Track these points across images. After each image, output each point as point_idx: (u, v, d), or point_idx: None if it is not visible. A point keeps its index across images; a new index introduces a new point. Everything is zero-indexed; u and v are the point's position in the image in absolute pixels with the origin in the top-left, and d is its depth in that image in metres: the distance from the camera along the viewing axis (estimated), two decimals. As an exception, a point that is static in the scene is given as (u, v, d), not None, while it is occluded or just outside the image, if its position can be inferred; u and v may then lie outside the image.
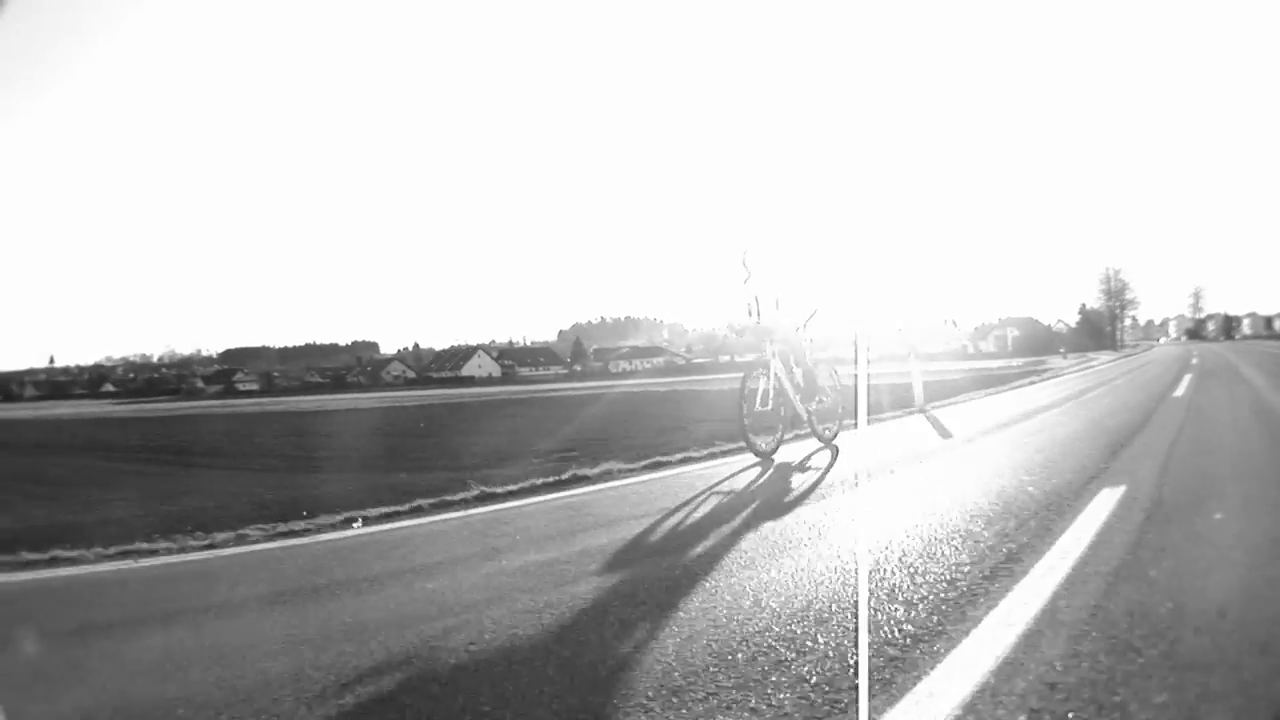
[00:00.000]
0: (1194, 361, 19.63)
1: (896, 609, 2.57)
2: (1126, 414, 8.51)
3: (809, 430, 7.04)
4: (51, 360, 49.66)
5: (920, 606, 2.58)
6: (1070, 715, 1.84)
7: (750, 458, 6.28)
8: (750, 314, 6.67)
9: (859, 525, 3.88)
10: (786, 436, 6.71)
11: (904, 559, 3.14)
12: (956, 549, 3.25)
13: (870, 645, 2.28)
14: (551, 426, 13.82)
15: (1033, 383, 17.54)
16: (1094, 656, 2.12)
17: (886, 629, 2.40)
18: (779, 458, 6.32)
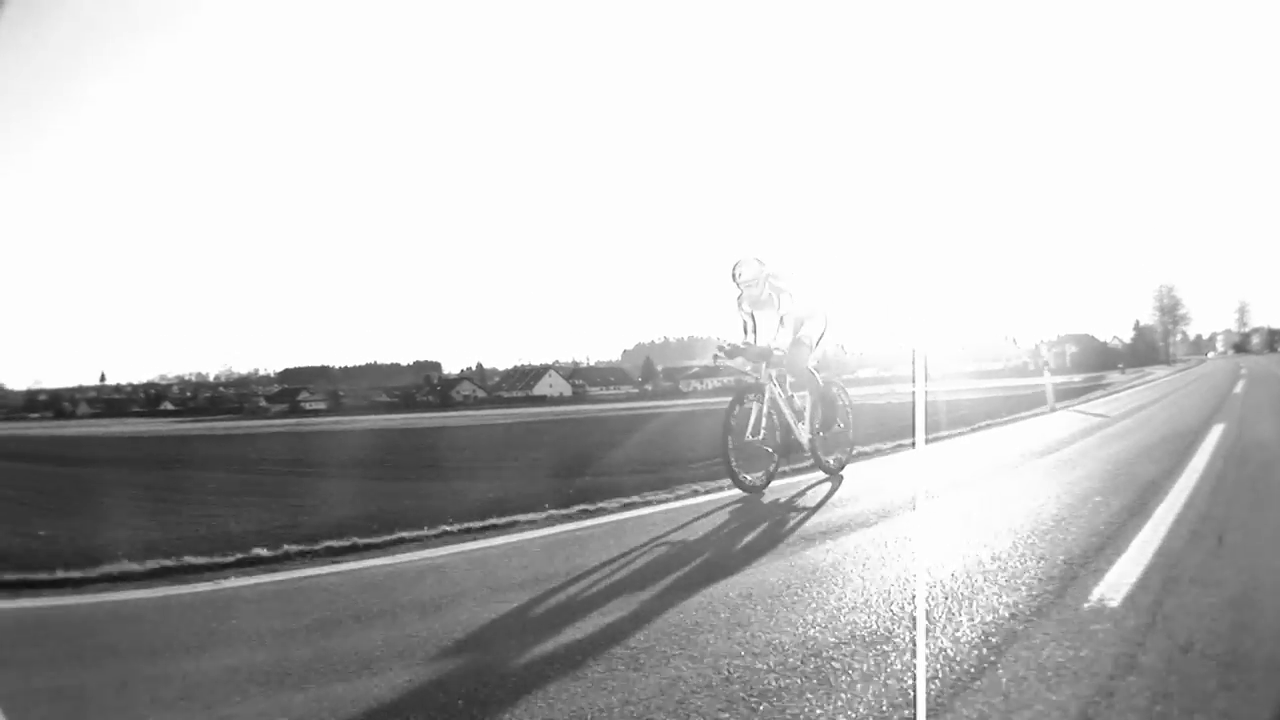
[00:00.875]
0: (1243, 372, 22.06)
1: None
2: (1207, 404, 11.77)
3: (811, 461, 6.38)
4: (102, 378, 50.25)
5: None
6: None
7: (734, 493, 5.66)
8: (746, 332, 6.07)
9: (819, 590, 3.25)
10: (783, 469, 6.05)
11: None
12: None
13: None
14: (680, 437, 13.47)
15: (1107, 394, 18.54)
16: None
17: None
18: (770, 493, 5.69)
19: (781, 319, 5.86)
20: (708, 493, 5.78)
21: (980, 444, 8.90)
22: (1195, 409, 10.94)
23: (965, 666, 2.31)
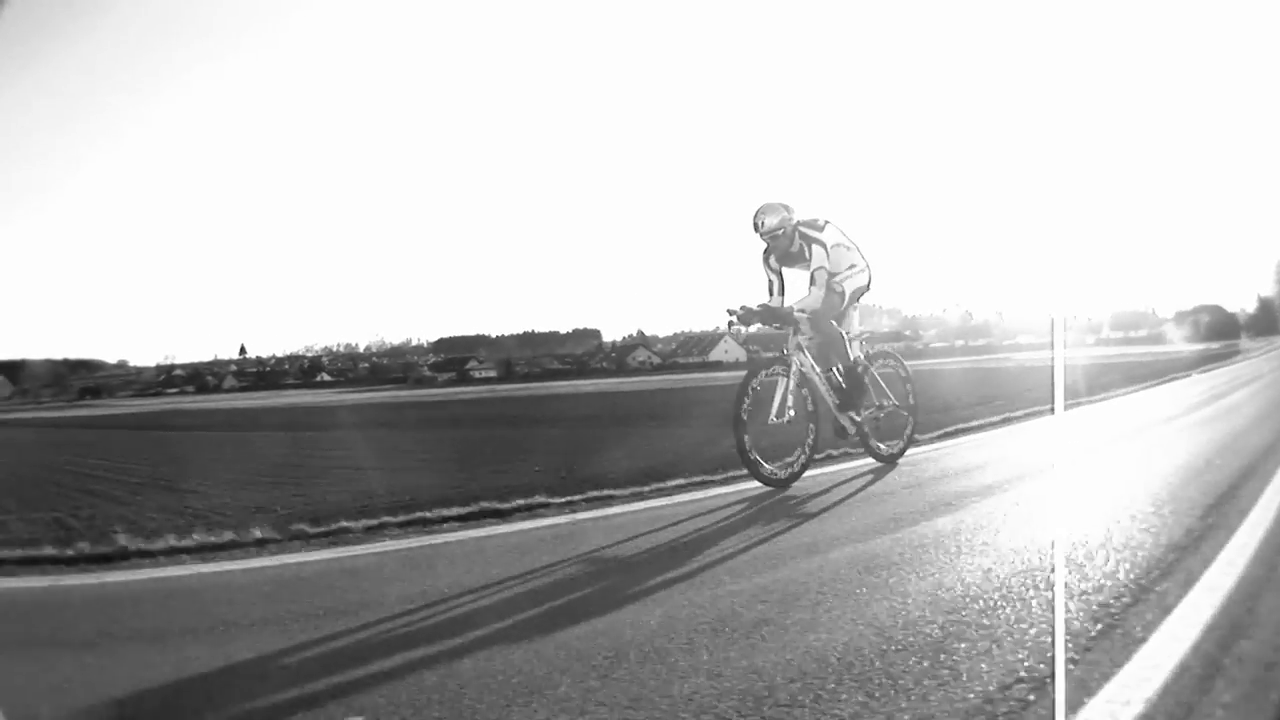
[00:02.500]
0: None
1: None
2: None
3: (859, 446, 5.33)
4: (242, 350, 52.24)
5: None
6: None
7: (753, 487, 4.72)
8: (772, 293, 5.08)
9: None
10: (816, 455, 5.03)
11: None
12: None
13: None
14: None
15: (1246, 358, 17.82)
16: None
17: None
18: (799, 486, 4.73)
19: (813, 275, 4.83)
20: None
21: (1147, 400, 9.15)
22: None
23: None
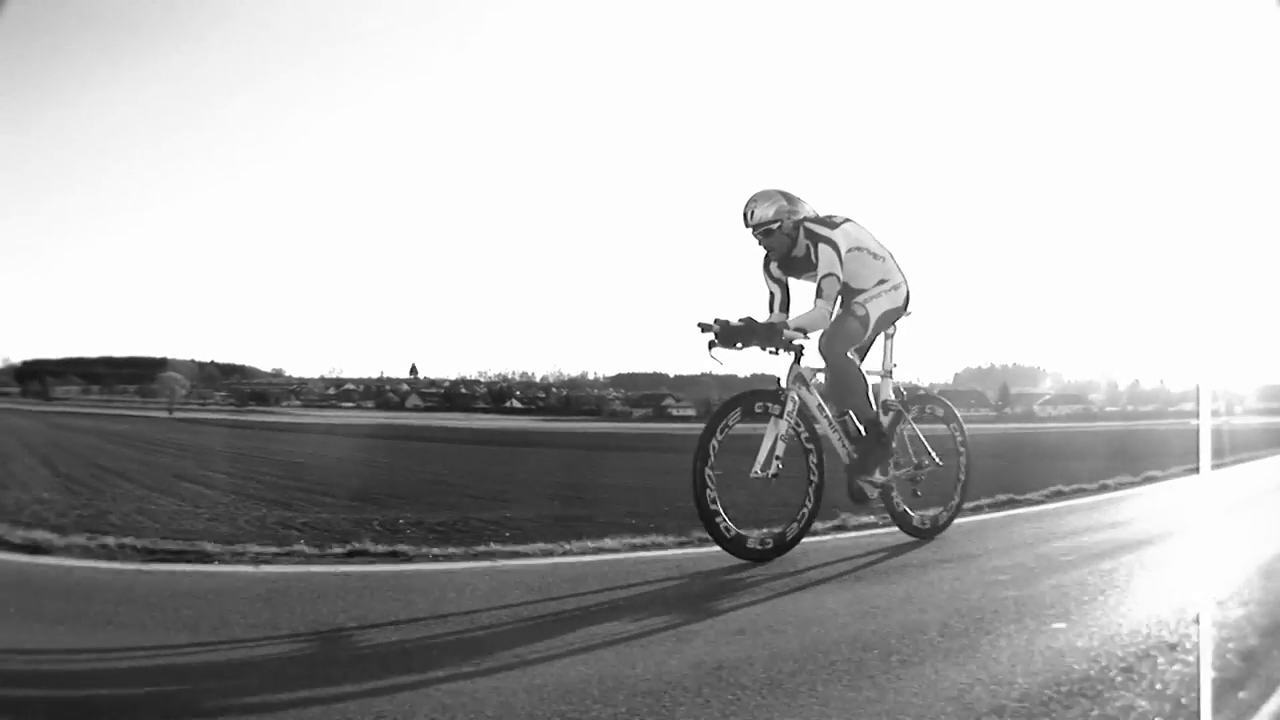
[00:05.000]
0: None
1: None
2: None
3: (885, 512, 4.12)
4: (413, 370, 52.96)
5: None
6: None
7: (716, 558, 3.60)
8: (773, 308, 3.97)
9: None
10: (808, 519, 3.81)
11: None
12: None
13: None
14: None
15: None
16: None
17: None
18: (789, 558, 3.59)
19: (819, 285, 3.70)
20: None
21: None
22: None
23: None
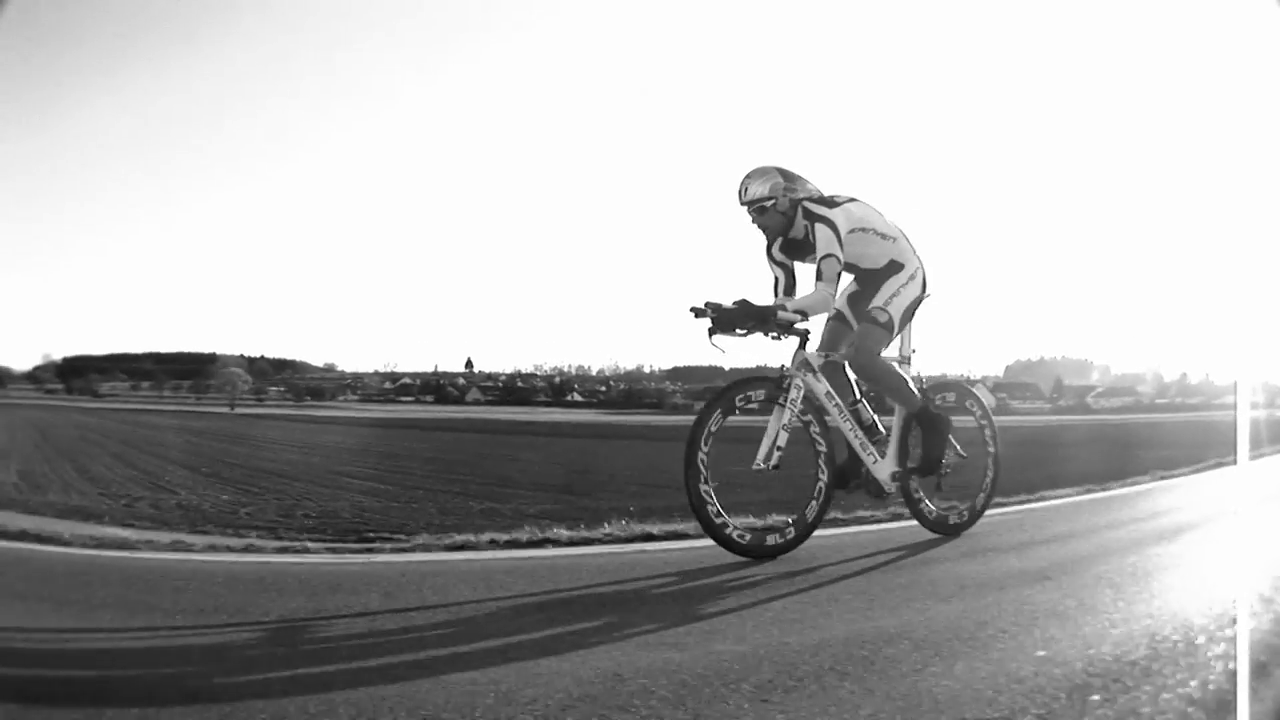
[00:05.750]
0: None
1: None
2: None
3: (903, 506, 3.88)
4: (469, 364, 53.39)
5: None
6: None
7: (714, 554, 3.41)
8: (777, 293, 3.79)
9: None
10: (817, 514, 3.58)
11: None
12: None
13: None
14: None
15: None
16: None
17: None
18: (796, 555, 3.39)
19: (819, 268, 3.50)
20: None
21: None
22: None
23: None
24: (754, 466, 3.39)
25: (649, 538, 3.94)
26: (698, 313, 3.46)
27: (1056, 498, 5.34)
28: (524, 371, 53.60)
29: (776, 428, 3.43)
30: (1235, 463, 6.61)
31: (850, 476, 3.64)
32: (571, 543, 3.88)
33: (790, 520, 3.49)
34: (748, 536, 3.39)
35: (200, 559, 3.59)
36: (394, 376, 52.47)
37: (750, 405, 3.45)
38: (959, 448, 3.78)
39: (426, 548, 3.89)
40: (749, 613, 2.55)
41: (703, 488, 3.30)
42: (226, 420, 37.50)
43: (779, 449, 3.40)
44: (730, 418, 3.39)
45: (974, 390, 4.01)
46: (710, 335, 3.49)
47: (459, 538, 3.91)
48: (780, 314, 3.44)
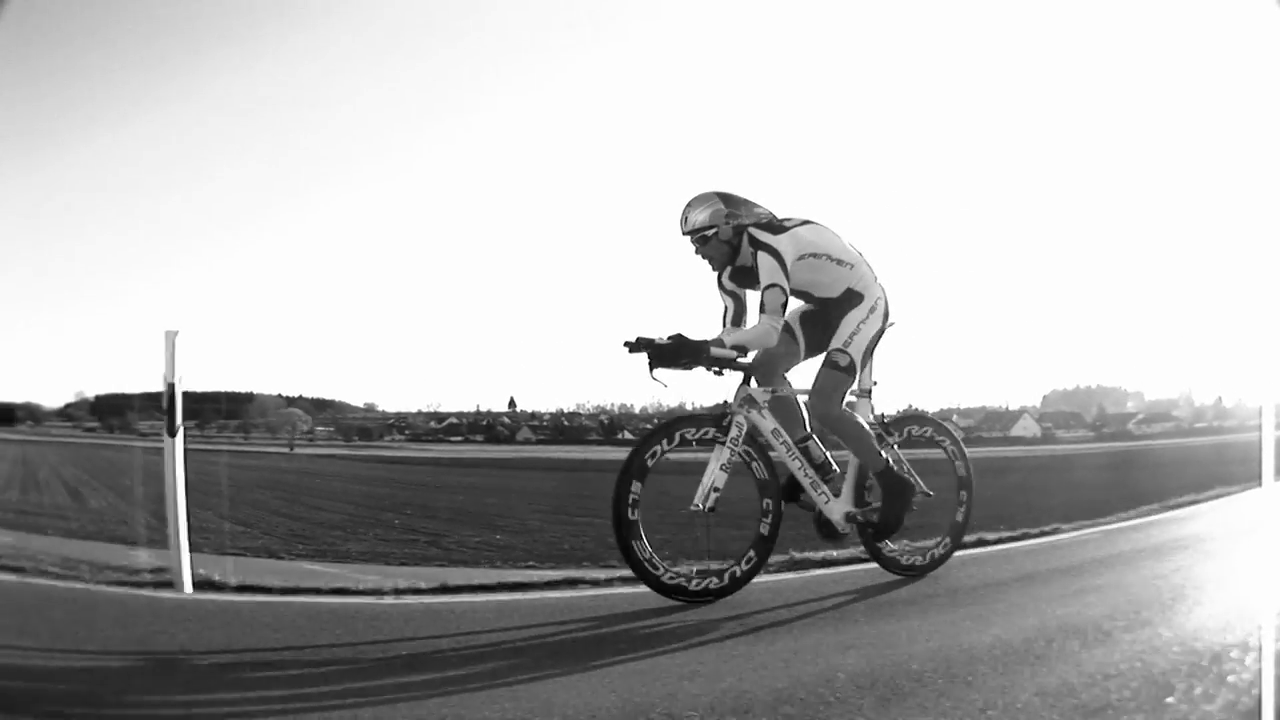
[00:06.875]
0: None
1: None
2: None
3: (861, 547, 3.67)
4: (512, 403, 53.70)
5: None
6: None
7: (642, 596, 3.28)
8: (726, 323, 3.63)
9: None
10: (759, 562, 3.40)
11: None
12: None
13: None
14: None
15: None
16: None
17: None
18: (730, 602, 3.24)
19: (762, 299, 3.33)
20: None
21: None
22: None
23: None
24: (691, 508, 3.26)
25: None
26: (631, 347, 3.34)
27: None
28: (567, 410, 54.12)
29: (715, 468, 3.28)
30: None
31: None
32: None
33: (729, 564, 3.32)
34: (685, 580, 3.25)
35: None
36: (439, 416, 53.54)
37: (688, 443, 3.31)
38: (923, 485, 3.55)
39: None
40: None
41: (631, 523, 3.17)
42: (317, 462, 36.61)
43: (716, 490, 3.24)
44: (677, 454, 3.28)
45: (946, 425, 3.76)
46: (650, 369, 3.36)
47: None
48: (715, 350, 3.29)
